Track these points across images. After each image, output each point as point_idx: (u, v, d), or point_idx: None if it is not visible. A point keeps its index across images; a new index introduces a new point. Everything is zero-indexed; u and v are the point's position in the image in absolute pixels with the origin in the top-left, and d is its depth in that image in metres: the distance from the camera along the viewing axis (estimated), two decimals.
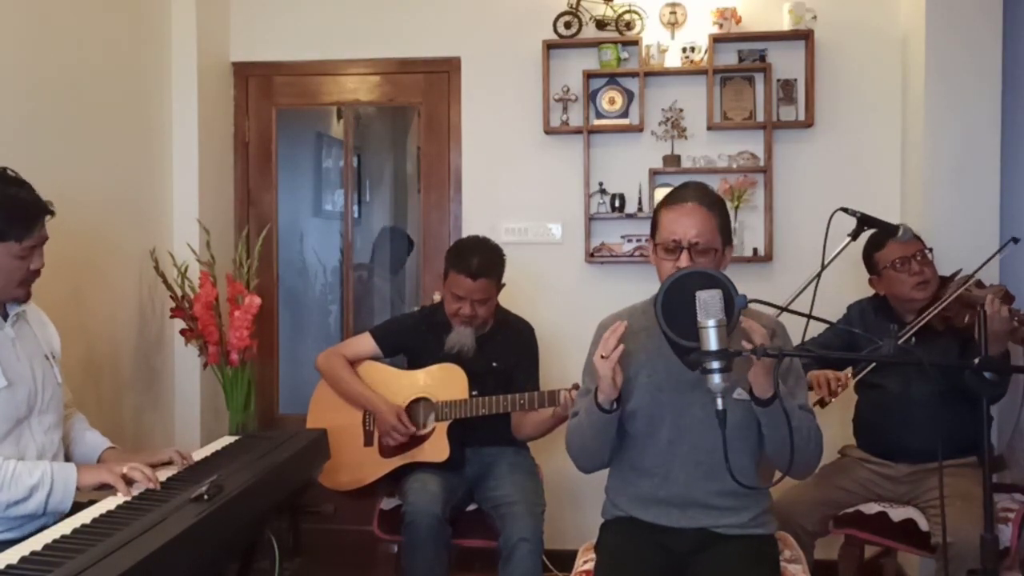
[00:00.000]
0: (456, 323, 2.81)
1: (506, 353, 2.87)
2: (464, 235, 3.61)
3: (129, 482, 1.92)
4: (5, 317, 2.00)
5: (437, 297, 3.52)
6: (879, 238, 2.74)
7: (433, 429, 2.80)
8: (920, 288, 2.66)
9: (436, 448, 2.77)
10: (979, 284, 2.60)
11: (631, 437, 2.04)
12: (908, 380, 2.66)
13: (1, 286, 1.94)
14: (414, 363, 2.91)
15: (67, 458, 2.11)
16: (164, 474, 2.03)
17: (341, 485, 2.86)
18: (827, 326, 2.73)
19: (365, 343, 2.91)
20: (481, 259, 2.74)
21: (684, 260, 1.92)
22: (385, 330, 2.95)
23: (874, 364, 2.71)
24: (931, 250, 2.73)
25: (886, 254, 2.71)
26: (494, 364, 2.84)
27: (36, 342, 2.07)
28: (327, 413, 2.88)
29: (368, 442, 2.87)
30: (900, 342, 2.50)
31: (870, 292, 2.91)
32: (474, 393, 2.77)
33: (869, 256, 2.79)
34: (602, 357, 1.88)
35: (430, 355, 2.85)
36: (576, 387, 2.45)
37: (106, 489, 1.94)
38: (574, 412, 2.13)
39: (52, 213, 2.00)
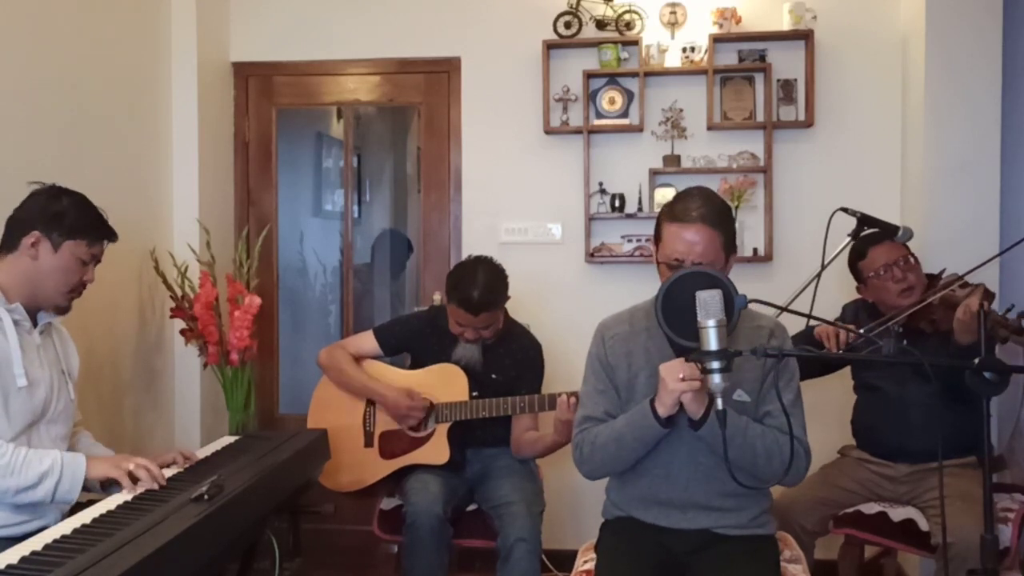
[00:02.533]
0: (461, 339, 2.80)
1: (507, 366, 2.84)
2: (464, 236, 3.63)
3: (134, 480, 1.93)
4: (35, 324, 2.06)
5: (437, 298, 3.53)
6: (861, 247, 2.74)
7: (433, 431, 2.80)
8: (905, 295, 2.65)
9: (436, 450, 2.77)
10: (964, 285, 2.59)
11: None
12: (905, 382, 2.66)
13: (53, 287, 2.02)
14: (417, 364, 2.91)
15: None
16: (166, 474, 2.02)
17: (342, 486, 2.86)
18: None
19: (367, 341, 2.91)
20: (481, 293, 2.65)
21: None
22: (388, 330, 2.95)
23: (867, 362, 2.72)
24: (915, 256, 2.71)
25: (869, 263, 2.71)
26: (493, 376, 2.82)
27: (56, 356, 2.12)
28: (328, 414, 2.88)
29: (368, 443, 2.87)
30: (874, 334, 2.50)
31: (853, 299, 2.91)
32: (474, 394, 2.76)
33: (853, 266, 2.79)
34: (684, 377, 1.79)
35: (433, 357, 2.85)
36: (575, 395, 2.43)
37: (112, 487, 1.94)
38: (585, 415, 2.06)
39: (115, 238, 2.13)
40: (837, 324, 2.50)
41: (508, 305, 2.96)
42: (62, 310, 2.09)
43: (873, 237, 2.71)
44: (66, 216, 2.01)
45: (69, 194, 2.07)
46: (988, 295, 2.48)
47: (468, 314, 2.68)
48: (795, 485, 2.08)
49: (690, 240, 1.91)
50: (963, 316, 2.35)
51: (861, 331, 2.51)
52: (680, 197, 2.00)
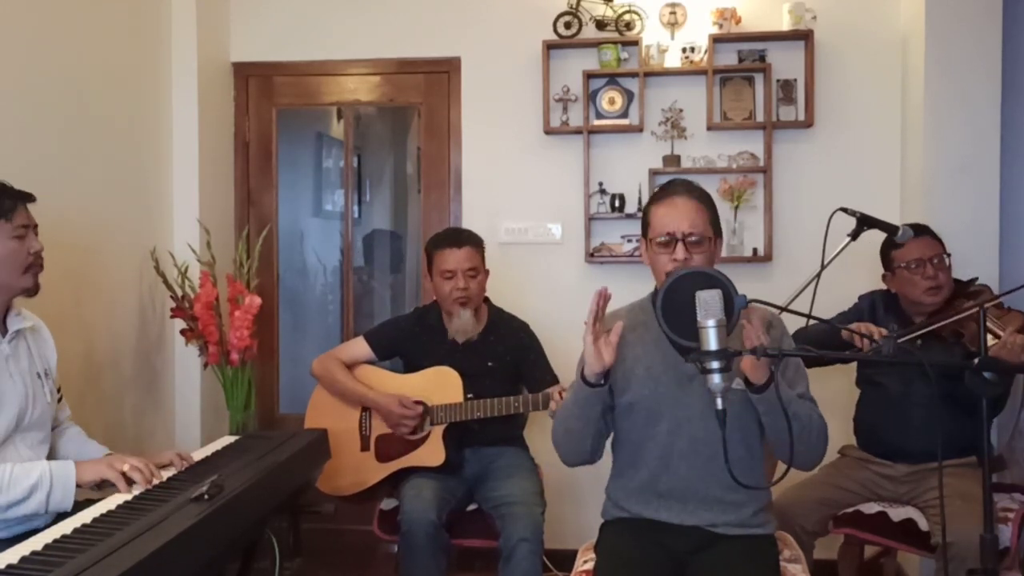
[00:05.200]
0: (455, 308, 2.81)
1: (502, 352, 2.87)
2: None
3: (129, 481, 1.92)
4: (4, 333, 2.00)
5: None
6: None
7: (429, 433, 2.80)
8: (931, 293, 2.65)
9: (432, 452, 2.77)
10: (998, 306, 2.56)
11: (631, 431, 2.05)
12: (908, 380, 2.65)
13: (7, 275, 1.95)
14: (410, 366, 2.91)
15: None
16: (163, 475, 2.02)
17: (339, 490, 2.86)
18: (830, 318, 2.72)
19: (359, 347, 2.92)
20: (461, 231, 2.94)
21: (680, 252, 1.94)
22: (379, 333, 2.96)
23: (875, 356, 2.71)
24: (950, 255, 2.70)
25: (903, 253, 2.70)
26: (489, 364, 2.84)
27: (31, 360, 2.06)
28: (324, 419, 2.87)
29: (365, 447, 2.87)
30: (903, 341, 2.50)
31: (869, 291, 2.91)
32: (469, 396, 2.77)
33: (887, 252, 2.77)
34: (585, 323, 1.88)
35: (425, 356, 2.86)
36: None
37: (107, 487, 1.93)
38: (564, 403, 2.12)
39: (32, 198, 2.02)
40: (869, 331, 2.50)
41: (504, 302, 2.97)
42: (31, 291, 2.01)
43: (912, 228, 2.69)
44: None
45: None
46: None
47: (453, 249, 2.80)
48: (811, 468, 2.06)
49: (677, 212, 1.98)
50: (1009, 356, 2.33)
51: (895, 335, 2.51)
52: (661, 187, 2.13)
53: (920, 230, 2.71)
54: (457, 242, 2.82)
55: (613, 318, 2.12)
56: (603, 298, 1.89)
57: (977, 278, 2.74)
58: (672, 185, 2.07)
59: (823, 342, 2.63)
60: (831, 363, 2.79)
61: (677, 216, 1.97)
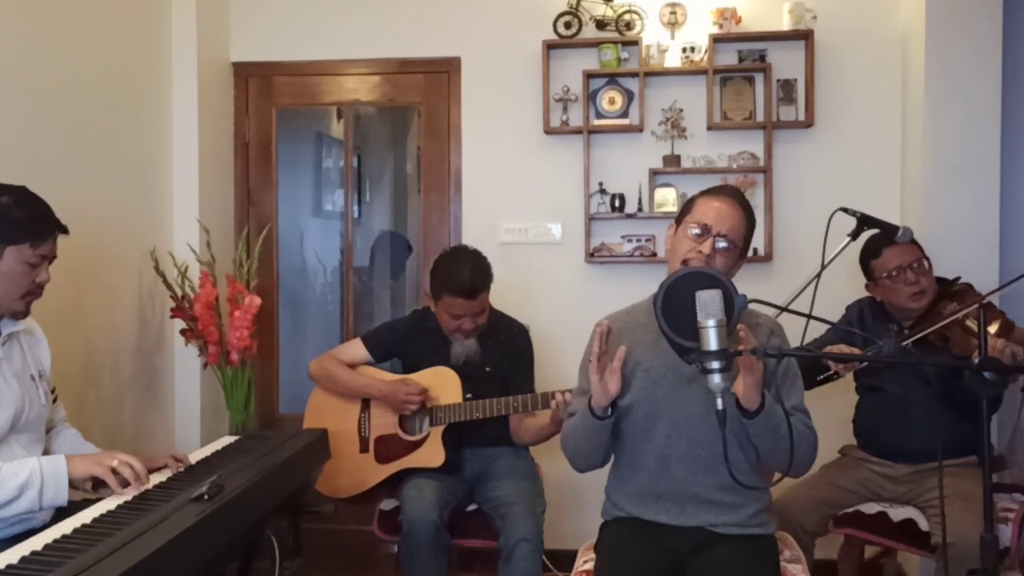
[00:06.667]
0: (457, 337, 2.81)
1: (500, 357, 2.86)
2: (464, 236, 3.62)
3: (123, 483, 1.90)
4: None
5: None
6: (875, 245, 2.73)
7: (428, 434, 2.80)
8: (915, 298, 2.65)
9: (431, 453, 2.77)
10: (986, 305, 2.56)
11: (629, 433, 2.05)
12: (907, 383, 2.65)
13: (3, 295, 1.92)
14: (408, 367, 2.91)
15: None
16: (162, 476, 2.02)
17: (338, 492, 2.85)
18: (828, 327, 2.71)
19: (356, 349, 2.91)
20: (473, 276, 2.70)
21: (708, 246, 1.95)
22: (376, 336, 2.94)
23: (870, 364, 2.72)
24: (928, 259, 2.71)
25: (882, 262, 2.70)
26: (487, 369, 2.83)
27: (24, 362, 2.05)
28: (322, 420, 2.86)
29: (364, 448, 2.86)
30: (895, 349, 2.50)
31: (857, 299, 2.91)
32: (468, 396, 2.76)
33: (866, 263, 2.77)
34: (590, 361, 1.92)
35: (424, 359, 2.85)
36: (569, 391, 2.45)
37: (102, 489, 1.93)
38: (570, 412, 2.14)
39: (66, 231, 2.02)
40: (850, 351, 2.52)
41: (504, 302, 2.97)
42: (19, 315, 1.98)
43: (887, 236, 2.70)
44: (3, 219, 1.86)
45: (5, 191, 1.89)
46: (1009, 327, 2.46)
47: (466, 300, 2.70)
48: (800, 476, 2.07)
49: (721, 210, 1.99)
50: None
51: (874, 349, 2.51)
52: (715, 186, 2.14)
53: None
54: (471, 293, 2.69)
55: (612, 321, 2.12)
56: (603, 336, 1.91)
57: (960, 277, 2.74)
58: (726, 188, 2.09)
59: (807, 368, 2.64)
60: (825, 381, 2.78)
61: (720, 213, 1.98)
